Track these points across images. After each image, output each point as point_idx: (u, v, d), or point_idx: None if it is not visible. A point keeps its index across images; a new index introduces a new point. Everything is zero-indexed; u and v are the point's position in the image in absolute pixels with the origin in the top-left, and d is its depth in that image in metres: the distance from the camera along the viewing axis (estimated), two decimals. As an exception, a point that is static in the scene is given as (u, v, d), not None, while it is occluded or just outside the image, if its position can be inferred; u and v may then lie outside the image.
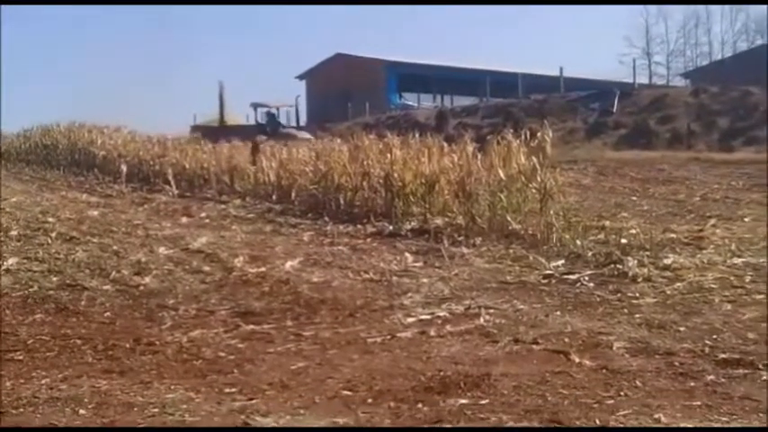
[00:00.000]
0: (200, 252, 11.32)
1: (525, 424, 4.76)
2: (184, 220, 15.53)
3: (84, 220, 14.59)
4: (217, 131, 23.92)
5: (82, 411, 5.06)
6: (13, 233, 12.64)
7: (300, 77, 58.56)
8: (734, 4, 64.33)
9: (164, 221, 15.07)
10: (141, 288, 9.02)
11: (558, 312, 7.53)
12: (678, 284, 8.35)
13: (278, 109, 39.44)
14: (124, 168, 24.18)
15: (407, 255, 10.82)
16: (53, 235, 12.37)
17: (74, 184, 24.69)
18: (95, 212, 16.18)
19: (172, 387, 5.52)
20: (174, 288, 9.01)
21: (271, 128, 34.80)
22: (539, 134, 12.98)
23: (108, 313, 7.90)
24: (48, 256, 10.71)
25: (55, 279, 9.31)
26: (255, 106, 38.90)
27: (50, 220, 14.32)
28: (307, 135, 30.94)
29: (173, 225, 14.50)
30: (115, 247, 11.53)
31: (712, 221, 12.83)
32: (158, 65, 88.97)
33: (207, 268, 10.16)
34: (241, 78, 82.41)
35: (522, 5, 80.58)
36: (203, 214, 16.27)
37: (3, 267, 9.88)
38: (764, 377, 5.43)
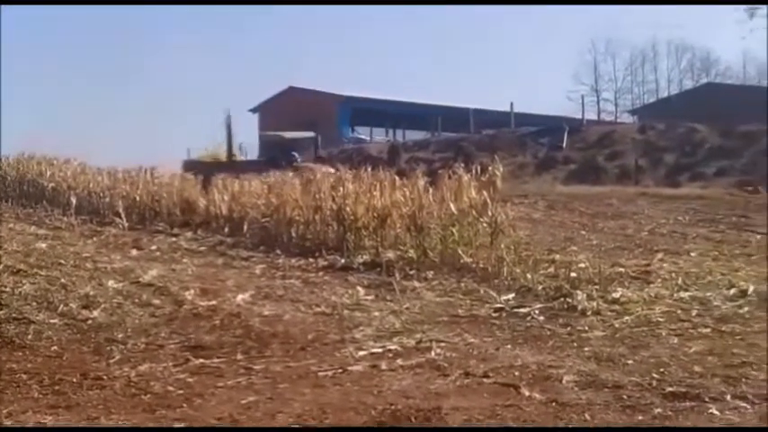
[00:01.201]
0: (150, 285, 11.19)
1: None
2: (134, 252, 15.36)
3: (32, 253, 14.35)
4: (223, 168, 22.22)
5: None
6: (-42, 266, 12.40)
7: (253, 110, 58.63)
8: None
9: (113, 254, 14.88)
10: (89, 322, 8.88)
11: (509, 346, 7.58)
12: (626, 318, 8.45)
13: (292, 141, 36.47)
14: (74, 200, 23.84)
15: (359, 288, 10.82)
16: (-1, 268, 12.16)
17: (22, 216, 24.29)
18: (43, 245, 15.92)
19: (119, 422, 5.45)
20: (122, 322, 8.89)
21: (285, 161, 31.10)
22: (489, 168, 13.11)
23: (55, 347, 7.77)
24: (-7, 289, 10.51)
25: (1, 312, 9.13)
26: (267, 139, 35.95)
27: (-3, 252, 14.08)
28: (328, 169, 28.49)
29: (122, 258, 14.32)
30: (63, 280, 11.35)
31: (659, 256, 13.03)
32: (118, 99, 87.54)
33: (157, 301, 10.05)
34: (195, 111, 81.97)
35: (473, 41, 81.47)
36: (154, 247, 16.11)
37: (-53, 301, 9.68)
38: (711, 410, 5.52)
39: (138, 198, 22.69)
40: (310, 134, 37.83)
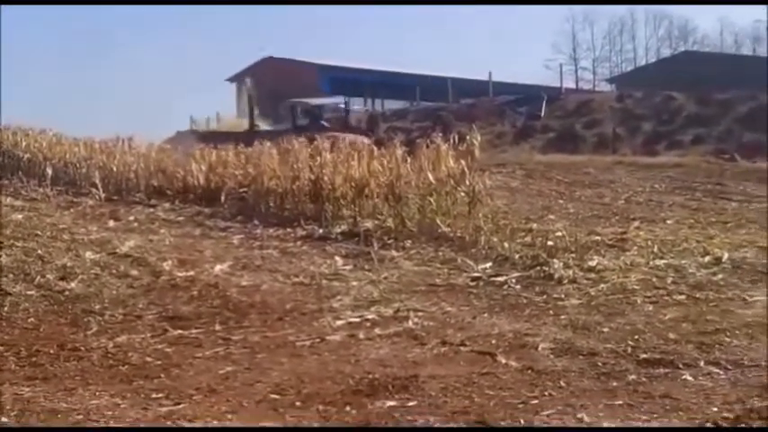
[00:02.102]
0: (127, 256, 11.15)
1: (452, 425, 4.82)
2: (112, 223, 15.28)
3: (8, 225, 14.23)
4: (246, 137, 21.10)
5: (4, 419, 4.97)
6: (-67, 238, 12.29)
7: (231, 80, 58.17)
8: None
9: (90, 225, 14.80)
10: (66, 293, 8.86)
11: (486, 314, 7.63)
12: (602, 286, 8.51)
13: (320, 108, 33.66)
14: (49, 171, 23.64)
15: (337, 258, 10.84)
16: (-25, 240, 12.07)
17: (-4, 187, 24.12)
18: (19, 216, 15.77)
19: (97, 393, 5.46)
20: (100, 293, 8.87)
21: (314, 129, 26.84)
22: (467, 138, 13.12)
23: (32, 319, 7.76)
24: (-31, 261, 10.44)
25: (-23, 285, 9.10)
26: (292, 105, 34.61)
27: (-28, 224, 13.97)
28: (363, 139, 24.33)
29: (99, 229, 14.25)
30: (40, 252, 11.27)
31: (636, 224, 13.12)
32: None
33: (134, 272, 10.02)
34: (173, 82, 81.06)
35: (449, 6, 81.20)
36: (131, 218, 16.02)
37: None
38: (684, 376, 5.58)
39: (114, 169, 22.54)
40: (339, 99, 36.24)
